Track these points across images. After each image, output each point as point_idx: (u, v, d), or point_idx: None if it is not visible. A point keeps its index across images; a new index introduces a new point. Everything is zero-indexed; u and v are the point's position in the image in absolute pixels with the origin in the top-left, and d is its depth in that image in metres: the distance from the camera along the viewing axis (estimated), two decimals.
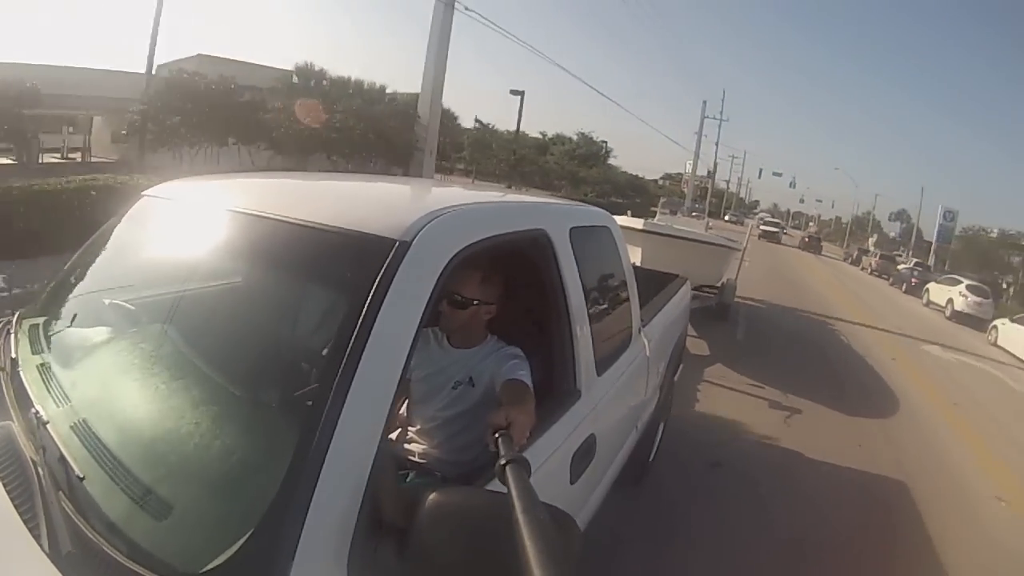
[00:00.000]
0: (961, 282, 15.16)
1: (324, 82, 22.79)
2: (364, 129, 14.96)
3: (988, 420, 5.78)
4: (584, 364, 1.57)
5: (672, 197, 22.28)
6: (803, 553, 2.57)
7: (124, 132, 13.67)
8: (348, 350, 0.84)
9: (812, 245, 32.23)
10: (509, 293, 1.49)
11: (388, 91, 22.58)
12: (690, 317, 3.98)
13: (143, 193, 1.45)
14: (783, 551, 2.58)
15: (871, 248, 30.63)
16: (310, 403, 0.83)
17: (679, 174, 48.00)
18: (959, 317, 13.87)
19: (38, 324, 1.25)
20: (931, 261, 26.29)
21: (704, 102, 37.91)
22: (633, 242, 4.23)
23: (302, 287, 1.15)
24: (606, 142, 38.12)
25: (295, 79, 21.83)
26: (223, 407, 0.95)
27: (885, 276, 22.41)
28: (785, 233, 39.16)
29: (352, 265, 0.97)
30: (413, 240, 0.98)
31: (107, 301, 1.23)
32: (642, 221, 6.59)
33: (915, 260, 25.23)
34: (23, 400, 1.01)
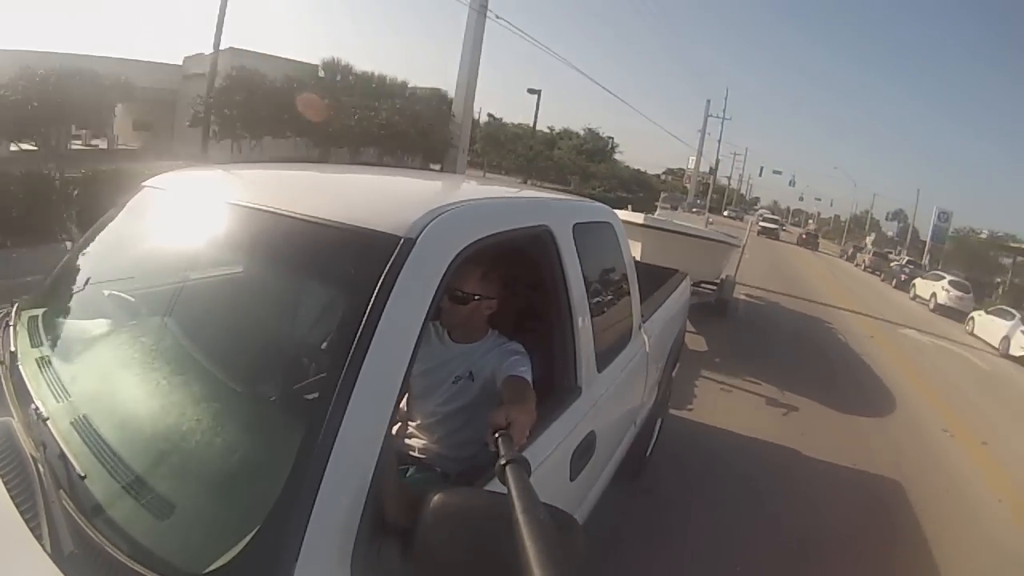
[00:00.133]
0: (944, 278, 16.49)
1: (350, 77, 23.68)
2: (407, 127, 16.21)
3: (944, 383, 7.18)
4: (585, 361, 1.57)
5: (674, 192, 22.54)
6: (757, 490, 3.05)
7: (188, 124, 13.88)
8: (352, 348, 0.83)
9: (809, 241, 33.40)
10: (511, 289, 1.48)
11: (407, 85, 24.14)
12: (688, 313, 3.99)
13: (143, 184, 1.43)
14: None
15: (868, 246, 31.74)
16: (314, 401, 0.83)
17: (681, 169, 48.94)
18: (942, 309, 15.20)
19: (37, 316, 1.23)
20: (926, 260, 27.26)
21: (708, 101, 38.98)
22: (633, 237, 4.20)
23: (305, 283, 1.14)
24: (612, 138, 39.45)
25: (321, 73, 22.23)
26: (226, 404, 0.94)
27: (878, 272, 23.50)
28: (784, 230, 40.21)
29: (356, 262, 0.96)
30: (418, 237, 0.97)
31: (107, 293, 1.22)
32: (643, 216, 6.55)
33: (907, 258, 26.33)
34: (23, 395, 0.99)
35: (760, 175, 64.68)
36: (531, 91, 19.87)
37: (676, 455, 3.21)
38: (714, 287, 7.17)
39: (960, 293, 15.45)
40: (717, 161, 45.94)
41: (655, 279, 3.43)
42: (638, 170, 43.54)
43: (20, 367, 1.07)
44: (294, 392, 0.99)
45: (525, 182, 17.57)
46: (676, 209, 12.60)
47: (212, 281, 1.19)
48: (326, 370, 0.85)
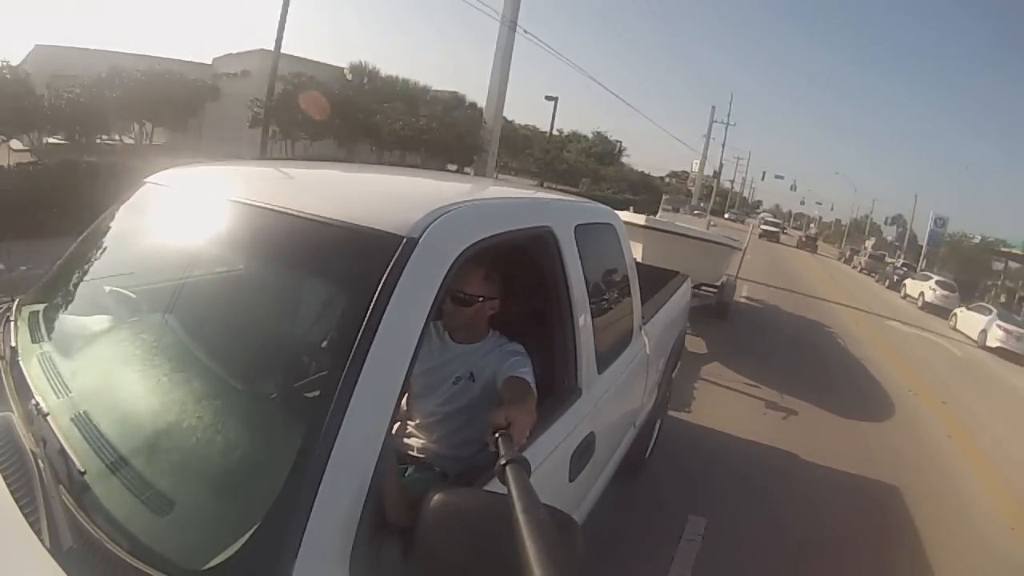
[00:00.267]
0: (932, 278, 18.15)
1: (377, 81, 25.47)
2: (444, 134, 18.02)
3: (918, 361, 8.49)
4: (585, 362, 1.57)
5: (678, 195, 23.04)
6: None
7: (248, 125, 14.45)
8: (354, 347, 0.83)
9: (808, 244, 35.04)
10: (512, 289, 1.48)
11: (428, 90, 26.17)
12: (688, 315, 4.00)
13: (145, 180, 1.42)
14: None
15: (867, 249, 32.87)
16: (315, 399, 0.83)
17: (684, 172, 49.99)
18: (929, 307, 16.66)
19: (38, 311, 1.23)
20: (923, 264, 28.24)
21: (713, 107, 40.06)
22: (635, 238, 4.20)
23: (307, 282, 1.13)
24: (620, 141, 41.53)
25: (349, 76, 23.33)
26: (227, 401, 0.94)
27: (873, 274, 24.73)
28: (785, 233, 41.47)
29: (359, 261, 0.96)
30: (420, 237, 0.96)
31: (108, 289, 1.22)
32: (644, 217, 6.55)
33: (902, 261, 28.01)
34: (23, 390, 0.99)
35: (763, 179, 65.34)
36: (548, 98, 20.84)
37: (675, 456, 3.22)
38: (715, 290, 7.17)
39: (946, 292, 16.78)
40: (721, 165, 47.04)
41: (656, 281, 3.42)
42: (643, 173, 45.01)
43: (20, 362, 1.07)
44: (295, 390, 0.99)
45: (541, 184, 18.59)
46: (678, 211, 12.59)
47: (213, 278, 1.18)
48: (328, 368, 0.85)
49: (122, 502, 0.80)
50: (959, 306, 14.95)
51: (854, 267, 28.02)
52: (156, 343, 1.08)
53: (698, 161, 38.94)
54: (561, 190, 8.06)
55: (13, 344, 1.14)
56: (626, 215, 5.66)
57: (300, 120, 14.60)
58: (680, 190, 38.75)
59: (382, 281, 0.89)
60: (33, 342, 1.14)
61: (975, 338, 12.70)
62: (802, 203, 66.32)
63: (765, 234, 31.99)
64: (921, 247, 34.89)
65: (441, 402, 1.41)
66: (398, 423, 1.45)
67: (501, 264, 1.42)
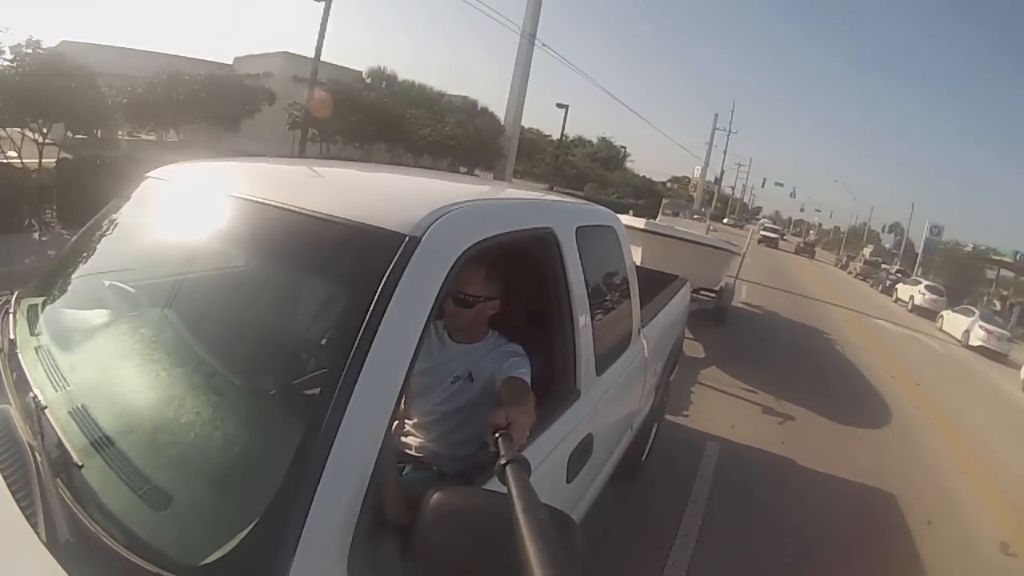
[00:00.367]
0: (921, 283, 19.49)
1: (394, 85, 26.92)
2: (468, 140, 19.09)
3: (898, 353, 9.56)
4: (584, 363, 1.57)
5: (679, 200, 23.69)
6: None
7: (287, 127, 14.91)
8: (355, 345, 0.83)
9: (806, 250, 35.76)
10: (512, 290, 1.48)
11: (443, 95, 27.59)
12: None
13: (147, 175, 1.42)
14: None
15: (865, 256, 34.11)
16: (316, 396, 0.82)
17: (686, 177, 51.24)
18: (918, 310, 17.83)
19: (37, 304, 1.23)
20: (918, 271, 29.16)
21: (716, 115, 40.99)
22: (634, 241, 4.20)
23: (308, 278, 1.13)
24: (624, 147, 43.19)
25: (368, 80, 24.50)
26: (227, 397, 0.94)
27: (868, 279, 25.79)
28: (784, 239, 42.63)
29: (361, 259, 0.96)
30: (423, 236, 0.96)
31: (107, 283, 1.21)
32: (644, 221, 6.57)
33: (896, 268, 28.61)
34: (21, 383, 0.99)
35: (763, 186, 65.71)
36: (559, 106, 21.49)
37: (671, 461, 3.22)
38: (713, 294, 7.18)
39: (935, 296, 17.99)
40: (722, 171, 47.81)
41: (655, 284, 3.42)
42: (646, 178, 46.18)
43: (19, 355, 1.07)
44: (295, 387, 0.99)
45: (551, 188, 19.43)
46: (678, 215, 12.62)
47: (214, 274, 1.18)
48: (329, 366, 0.85)
49: (119, 496, 0.80)
50: (946, 309, 16.07)
51: (849, 272, 28.98)
52: (156, 338, 1.07)
53: (699, 167, 39.88)
54: (569, 194, 8.23)
55: (12, 336, 1.13)
56: (626, 219, 5.66)
57: (338, 124, 15.35)
58: (682, 195, 39.42)
59: (384, 279, 0.89)
60: (32, 335, 1.14)
61: (959, 337, 13.84)
62: (801, 210, 67.79)
63: (764, 240, 32.95)
64: (918, 255, 35.87)
65: (439, 401, 1.41)
66: (396, 422, 1.45)
67: (502, 264, 1.42)
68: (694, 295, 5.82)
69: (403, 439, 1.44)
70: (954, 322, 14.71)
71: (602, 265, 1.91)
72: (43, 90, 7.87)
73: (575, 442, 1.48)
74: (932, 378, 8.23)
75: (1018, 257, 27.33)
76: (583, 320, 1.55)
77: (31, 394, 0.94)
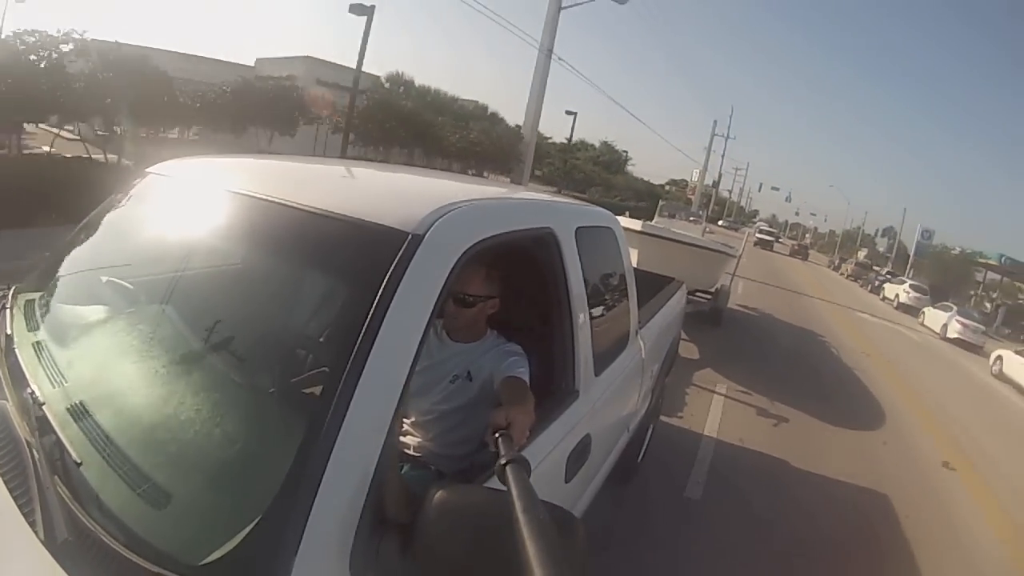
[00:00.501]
0: (906, 282, 21.34)
1: (412, 90, 28.55)
2: (490, 146, 20.88)
3: (880, 341, 10.85)
4: (583, 364, 1.57)
5: (676, 202, 24.50)
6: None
7: (330, 131, 15.72)
8: (358, 343, 0.82)
9: (800, 252, 37.23)
10: (511, 289, 1.48)
11: (456, 99, 29.85)
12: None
13: (147, 170, 1.41)
14: None
15: (859, 258, 35.84)
16: (318, 395, 0.82)
17: (684, 180, 52.36)
18: (903, 307, 19.48)
19: (34, 300, 1.21)
20: (911, 273, 30.23)
21: (715, 121, 43.15)
22: (631, 243, 4.20)
23: (310, 275, 1.12)
24: (626, 151, 45.00)
25: (386, 85, 25.89)
26: (227, 394, 0.93)
27: (859, 280, 27.40)
28: (779, 242, 43.76)
29: (364, 256, 0.95)
30: (426, 234, 0.96)
31: (105, 279, 1.20)
32: (640, 223, 6.58)
33: (886, 270, 30.43)
34: (18, 379, 0.98)
35: (759, 190, 66.62)
36: (568, 112, 23.31)
37: (667, 463, 3.23)
38: (709, 296, 7.20)
39: (918, 294, 19.60)
40: (720, 175, 48.56)
41: (652, 286, 3.43)
42: (644, 180, 47.17)
43: (16, 350, 1.06)
44: (297, 385, 0.98)
45: (559, 192, 20.64)
46: (674, 217, 12.68)
47: (214, 270, 1.17)
48: (331, 363, 0.84)
49: (119, 494, 0.79)
50: (928, 306, 17.60)
51: (841, 274, 30.53)
52: (155, 334, 1.06)
53: (697, 170, 40.76)
54: (577, 197, 8.45)
55: (8, 332, 1.12)
56: (623, 220, 5.66)
57: (376, 130, 16.61)
58: (680, 198, 40.34)
59: (387, 276, 0.88)
60: (29, 330, 1.12)
61: (938, 331, 15.30)
62: (796, 214, 69.02)
63: (760, 242, 34.04)
64: (910, 257, 36.97)
65: (438, 400, 1.40)
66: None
67: (501, 264, 1.42)
68: (690, 297, 5.83)
69: (401, 438, 1.43)
70: (934, 317, 16.11)
71: (601, 266, 1.91)
72: (129, 90, 8.61)
73: (574, 442, 1.48)
74: (901, 357, 9.84)
75: (1003, 260, 28.52)
76: (582, 320, 1.55)
77: (29, 390, 0.93)
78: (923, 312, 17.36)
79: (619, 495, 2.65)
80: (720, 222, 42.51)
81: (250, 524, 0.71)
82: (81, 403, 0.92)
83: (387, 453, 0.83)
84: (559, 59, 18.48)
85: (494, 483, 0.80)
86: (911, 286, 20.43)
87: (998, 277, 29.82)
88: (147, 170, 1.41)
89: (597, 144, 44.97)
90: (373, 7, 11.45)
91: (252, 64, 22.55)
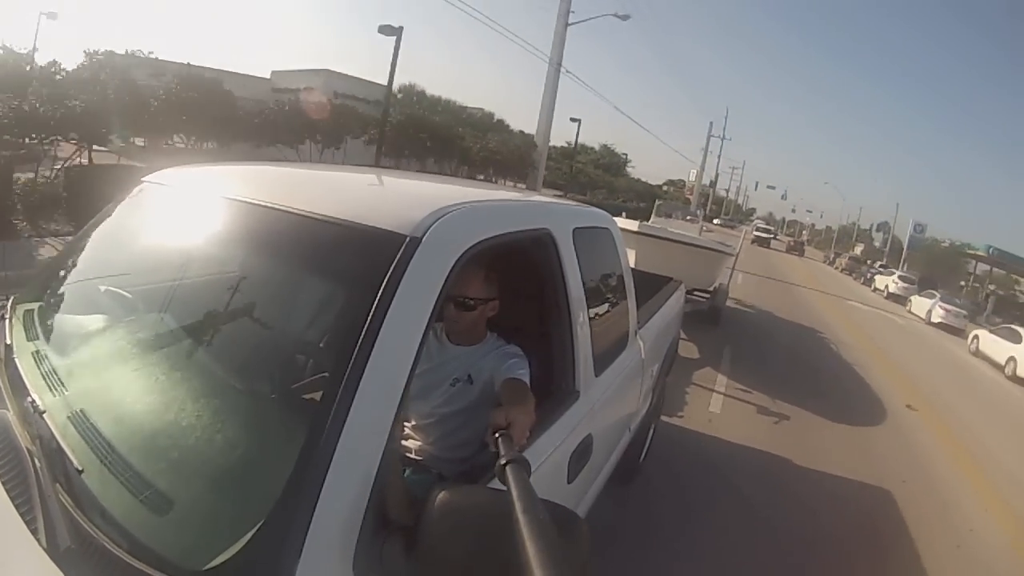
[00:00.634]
0: (895, 273, 23.11)
1: (424, 100, 30.85)
2: (508, 155, 23.20)
3: (867, 325, 12.17)
4: (583, 364, 1.57)
5: (674, 202, 25.27)
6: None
7: (365, 140, 16.77)
8: (357, 346, 0.82)
9: (796, 248, 38.64)
10: (510, 291, 1.48)
11: (465, 108, 32.60)
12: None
13: (143, 179, 1.41)
14: None
15: (856, 253, 37.72)
16: (319, 398, 0.82)
17: (681, 180, 53.06)
18: (892, 297, 20.86)
19: (33, 310, 1.21)
20: (904, 266, 31.44)
21: (711, 123, 43.12)
22: (628, 244, 4.21)
23: (309, 280, 1.12)
24: (626, 154, 47.33)
25: (399, 96, 27.97)
26: (228, 400, 0.93)
27: (852, 273, 28.57)
28: (776, 239, 44.32)
29: (362, 260, 0.96)
30: (423, 237, 0.96)
31: (104, 288, 1.20)
32: (637, 223, 6.60)
33: (879, 263, 32.27)
34: (19, 388, 0.98)
35: (756, 189, 67.26)
36: (573, 119, 24.26)
37: (668, 463, 3.23)
38: (707, 295, 7.22)
39: (906, 284, 21.03)
40: (716, 175, 49.37)
41: (650, 286, 3.44)
42: (641, 181, 49.08)
43: (16, 360, 1.06)
44: (298, 389, 0.98)
45: (565, 195, 21.47)
46: (671, 217, 12.71)
47: (212, 277, 1.17)
48: (331, 367, 0.84)
49: (120, 501, 0.79)
50: (915, 294, 19.02)
51: (836, 268, 31.98)
52: (154, 342, 1.06)
53: (695, 170, 41.64)
54: (583, 201, 8.69)
55: (8, 341, 1.12)
56: (620, 221, 5.67)
57: (407, 142, 18.54)
58: (678, 198, 41.13)
59: (385, 279, 0.89)
60: (28, 340, 1.12)
61: (923, 316, 16.67)
62: (793, 211, 69.86)
63: (757, 240, 35.12)
64: (904, 250, 38.19)
65: (439, 404, 1.40)
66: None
67: (499, 266, 1.42)
68: (689, 296, 5.84)
69: (403, 442, 1.43)
70: (920, 304, 17.53)
71: (599, 266, 1.92)
72: (206, 108, 10.22)
73: (575, 443, 1.48)
74: (882, 335, 11.37)
75: (991, 251, 29.41)
76: (581, 321, 1.56)
77: (29, 399, 0.93)
78: (910, 300, 18.72)
79: (622, 495, 2.65)
80: (716, 220, 42.91)
81: (253, 528, 0.71)
82: (81, 411, 0.92)
83: (389, 456, 0.83)
84: (567, 72, 19.99)
85: (495, 484, 0.80)
86: (899, 277, 22.04)
87: (987, 268, 31.00)
88: (143, 179, 1.41)
89: (596, 147, 46.60)
90: (401, 28, 12.17)
91: (268, 76, 23.52)
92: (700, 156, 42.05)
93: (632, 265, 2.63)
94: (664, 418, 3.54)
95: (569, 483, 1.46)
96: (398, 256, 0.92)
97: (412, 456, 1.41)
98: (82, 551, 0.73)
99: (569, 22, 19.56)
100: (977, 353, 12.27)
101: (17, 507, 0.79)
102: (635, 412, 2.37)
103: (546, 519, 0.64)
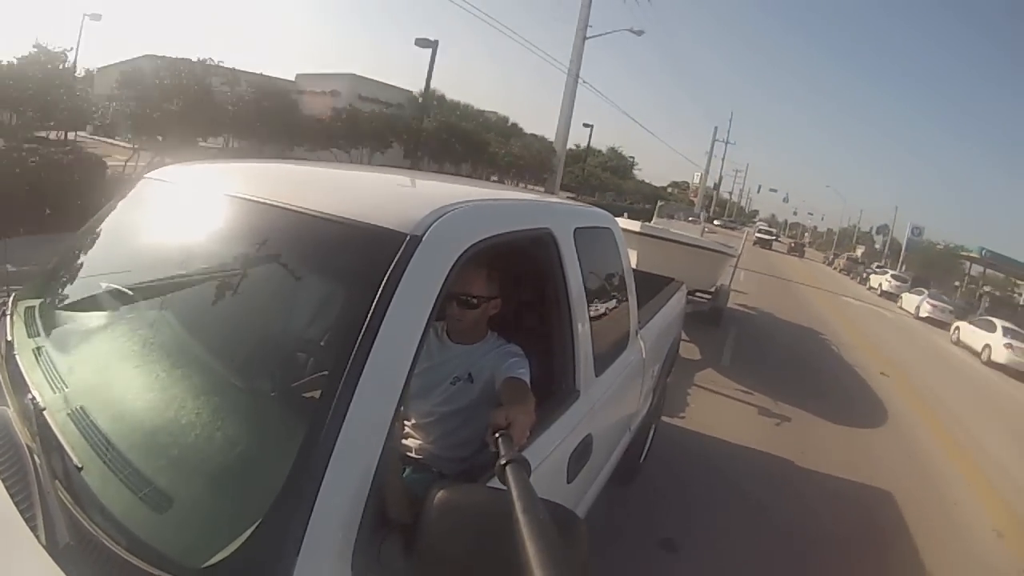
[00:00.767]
0: (888, 272, 25.23)
1: (444, 105, 31.75)
2: (530, 160, 24.50)
3: (858, 318, 13.50)
4: (583, 364, 1.57)
5: (676, 203, 26.18)
6: None
7: (402, 150, 18.10)
8: (357, 344, 0.82)
9: (796, 249, 40.23)
10: (511, 290, 1.48)
11: (482, 112, 33.45)
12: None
13: (145, 176, 1.41)
14: None
15: (856, 254, 39.35)
16: (318, 396, 0.82)
17: (685, 182, 54.21)
18: (885, 295, 22.56)
19: (34, 306, 1.21)
20: (903, 267, 32.62)
21: (715, 128, 45.25)
22: (630, 244, 4.20)
23: (309, 278, 1.12)
24: (633, 157, 48.51)
25: (420, 100, 28.03)
26: (228, 398, 0.93)
27: (850, 273, 30.32)
28: (778, 240, 45.66)
29: (362, 258, 0.96)
30: (424, 235, 0.96)
31: (105, 285, 1.20)
32: (639, 224, 6.59)
33: (876, 264, 33.61)
34: (19, 385, 0.98)
35: (758, 191, 68.00)
36: (586, 125, 26.16)
37: (669, 463, 3.23)
38: (709, 296, 7.21)
39: (898, 283, 22.79)
40: (720, 178, 50.01)
41: (651, 287, 3.44)
42: (654, 185, 50.70)
43: (17, 357, 1.06)
44: (298, 387, 0.98)
45: (576, 197, 22.29)
46: (672, 218, 12.71)
47: (212, 275, 1.17)
48: (331, 365, 0.84)
49: (120, 498, 0.79)
50: (906, 292, 20.65)
51: (834, 268, 33.89)
52: (154, 339, 1.06)
53: (699, 173, 42.52)
54: (593, 203, 8.82)
55: (9, 338, 1.12)
56: (622, 221, 5.66)
57: (440, 147, 19.60)
58: (682, 199, 41.86)
59: (385, 277, 0.88)
60: (29, 336, 1.12)
61: (912, 311, 18.20)
62: (795, 213, 70.63)
63: (759, 241, 36.00)
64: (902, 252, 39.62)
65: (439, 402, 1.40)
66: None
67: (500, 265, 1.42)
68: (690, 297, 5.83)
69: (402, 441, 1.43)
70: (909, 300, 19.19)
71: (600, 266, 1.92)
72: (275, 114, 11.58)
73: (575, 442, 1.48)
74: (868, 324, 12.93)
75: (983, 253, 30.27)
76: (581, 320, 1.55)
77: (29, 396, 0.93)
78: (901, 297, 20.48)
79: (622, 495, 2.65)
80: (716, 222, 43.05)
81: (252, 526, 0.71)
82: (81, 408, 0.92)
83: (388, 454, 0.83)
84: (584, 82, 22.20)
85: (495, 483, 0.79)
86: (892, 276, 24.18)
87: (981, 269, 32.14)
88: (145, 175, 1.41)
89: (604, 150, 47.46)
90: (436, 41, 13.13)
91: (293, 79, 24.24)
92: (704, 158, 43.11)
93: (634, 265, 2.62)
94: (665, 418, 3.53)
95: (569, 483, 1.46)
96: (398, 254, 0.92)
97: (412, 455, 1.41)
98: (81, 548, 0.73)
99: (587, 36, 21.00)
100: (958, 343, 13.87)
101: (16, 504, 0.79)
102: (636, 412, 2.36)
103: (546, 519, 0.63)
